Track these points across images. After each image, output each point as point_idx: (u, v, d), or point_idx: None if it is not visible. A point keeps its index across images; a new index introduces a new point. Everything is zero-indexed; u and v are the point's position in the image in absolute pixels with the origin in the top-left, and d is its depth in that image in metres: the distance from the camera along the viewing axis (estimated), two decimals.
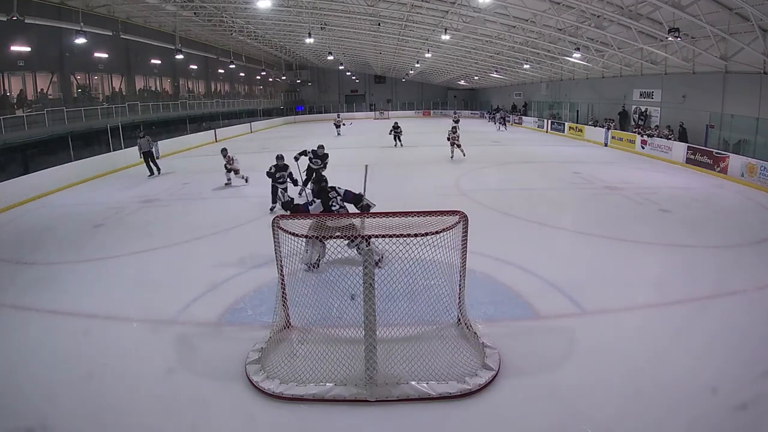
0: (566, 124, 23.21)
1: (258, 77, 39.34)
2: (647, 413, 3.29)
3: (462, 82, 38.39)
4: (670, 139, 15.03)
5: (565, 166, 13.89)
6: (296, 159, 9.61)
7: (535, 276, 5.59)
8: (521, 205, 9.19)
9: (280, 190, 8.83)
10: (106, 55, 20.66)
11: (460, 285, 4.17)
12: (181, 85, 28.60)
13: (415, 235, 3.56)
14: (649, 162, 14.76)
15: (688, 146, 13.83)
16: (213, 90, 33.09)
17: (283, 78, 41.94)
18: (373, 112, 40.41)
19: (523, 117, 29.23)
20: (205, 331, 4.57)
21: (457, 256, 3.98)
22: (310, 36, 20.35)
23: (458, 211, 3.92)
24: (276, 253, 4.04)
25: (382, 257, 5.13)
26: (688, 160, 13.59)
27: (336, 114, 29.70)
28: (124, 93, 22.57)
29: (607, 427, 3.21)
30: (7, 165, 12.40)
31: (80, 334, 4.53)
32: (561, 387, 3.57)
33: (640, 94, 18.39)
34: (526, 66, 23.07)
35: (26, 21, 14.19)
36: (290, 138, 24.93)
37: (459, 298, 4.23)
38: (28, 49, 16.47)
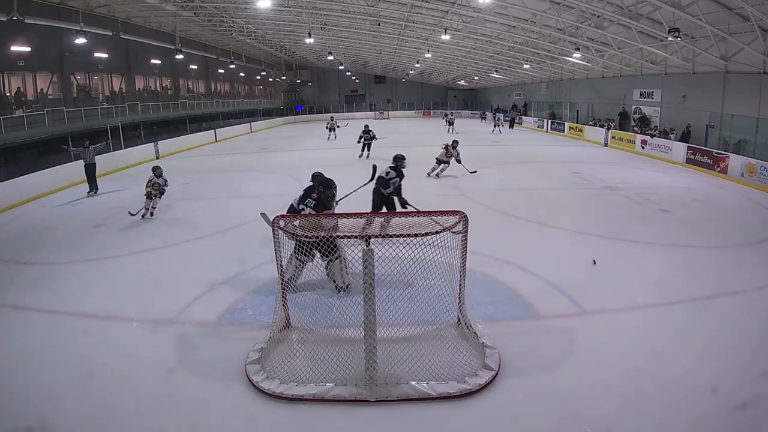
0: (566, 124, 23.21)
1: (258, 77, 39.33)
2: (647, 413, 3.29)
3: (462, 82, 38.38)
4: (670, 138, 15.03)
5: (565, 166, 13.89)
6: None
7: (535, 276, 5.59)
8: (521, 205, 9.19)
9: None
10: (106, 55, 20.67)
11: (460, 285, 4.17)
12: (181, 85, 28.60)
13: (415, 235, 3.57)
14: (649, 162, 14.77)
15: (688, 146, 13.85)
16: (213, 90, 33.08)
17: (283, 78, 41.93)
18: (373, 112, 40.36)
19: (523, 117, 29.23)
20: (205, 331, 4.57)
21: (457, 256, 3.98)
22: (310, 36, 20.39)
23: (458, 211, 3.92)
24: (276, 253, 4.04)
25: (349, 286, 4.96)
26: (688, 160, 13.59)
27: (330, 116, 25.47)
28: (124, 93, 22.57)
29: (607, 427, 3.21)
30: (7, 165, 12.39)
31: (80, 334, 4.52)
32: (561, 387, 3.57)
33: (640, 94, 18.39)
34: (526, 66, 23.07)
35: (26, 21, 14.19)
36: (290, 138, 24.96)
37: (459, 298, 4.23)
38: (28, 49, 16.48)
